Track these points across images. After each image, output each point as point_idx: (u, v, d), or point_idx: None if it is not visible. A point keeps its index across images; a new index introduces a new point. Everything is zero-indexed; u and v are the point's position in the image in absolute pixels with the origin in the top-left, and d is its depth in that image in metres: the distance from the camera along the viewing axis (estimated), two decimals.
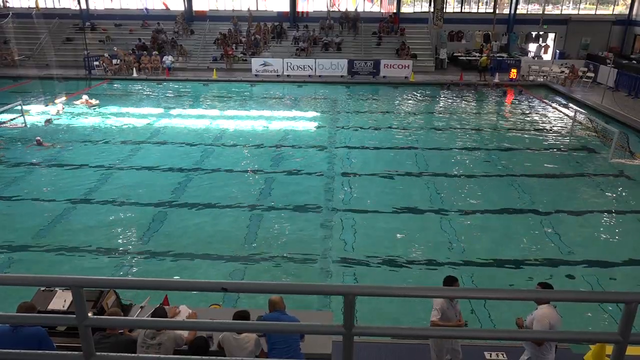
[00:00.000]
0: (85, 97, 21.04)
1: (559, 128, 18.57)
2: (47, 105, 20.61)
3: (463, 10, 32.90)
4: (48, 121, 17.72)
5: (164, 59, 27.42)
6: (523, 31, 31.51)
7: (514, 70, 26.36)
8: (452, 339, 5.92)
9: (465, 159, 15.00)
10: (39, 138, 15.37)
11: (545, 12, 30.58)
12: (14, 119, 17.78)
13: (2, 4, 30.88)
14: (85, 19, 31.27)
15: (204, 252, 9.51)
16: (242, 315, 5.11)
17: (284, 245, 9.80)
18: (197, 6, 32.56)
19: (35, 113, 19.28)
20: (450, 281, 5.69)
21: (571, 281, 8.69)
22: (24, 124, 17.42)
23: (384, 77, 26.57)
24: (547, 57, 30.80)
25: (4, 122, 17.64)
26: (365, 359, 6.37)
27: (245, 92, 24.50)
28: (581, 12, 32.54)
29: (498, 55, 29.29)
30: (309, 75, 26.72)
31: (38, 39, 30.00)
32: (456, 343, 6.06)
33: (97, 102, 21.15)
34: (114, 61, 27.09)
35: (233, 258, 9.35)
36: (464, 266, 9.00)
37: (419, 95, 24.09)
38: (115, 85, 25.71)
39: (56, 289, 5.93)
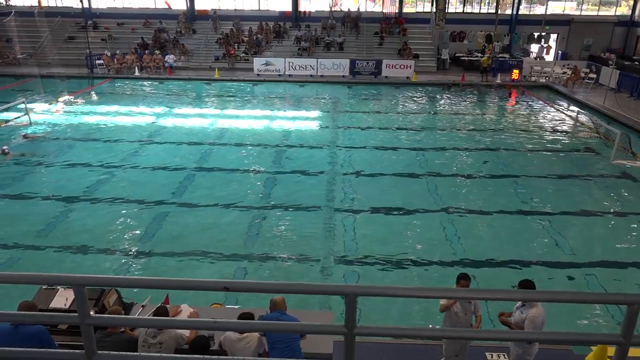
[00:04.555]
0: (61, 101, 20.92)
1: (561, 129, 18.54)
2: (50, 104, 20.66)
3: (465, 11, 32.90)
4: (25, 136, 15.98)
5: (166, 58, 27.45)
6: (525, 32, 31.45)
7: (516, 71, 26.33)
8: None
9: (467, 159, 14.99)
10: (5, 147, 14.34)
11: (548, 13, 30.55)
12: (19, 117, 17.82)
13: (4, 2, 30.90)
14: (88, 17, 31.32)
15: (205, 251, 9.51)
16: (247, 317, 5.11)
17: (285, 245, 9.80)
18: (199, 5, 32.58)
19: (41, 111, 19.35)
20: (458, 279, 5.68)
21: (573, 282, 8.68)
22: (29, 122, 17.46)
23: (385, 77, 26.56)
24: (549, 58, 30.79)
25: (9, 120, 17.68)
26: (366, 359, 6.37)
27: (247, 92, 24.51)
28: (583, 13, 32.51)
29: (500, 55, 29.26)
30: (311, 75, 26.71)
31: (40, 38, 30.05)
32: (467, 343, 6.03)
33: (77, 101, 21.14)
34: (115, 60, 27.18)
35: (234, 257, 9.35)
36: (466, 267, 8.98)
37: (420, 95, 24.08)
38: (117, 84, 25.74)
39: (58, 287, 5.93)
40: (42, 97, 21.83)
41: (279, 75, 26.77)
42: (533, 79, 26.76)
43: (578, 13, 32.47)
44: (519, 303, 5.66)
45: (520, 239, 10.16)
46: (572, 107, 21.53)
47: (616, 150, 14.66)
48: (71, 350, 2.90)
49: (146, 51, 28.50)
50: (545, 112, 21.14)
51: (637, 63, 27.38)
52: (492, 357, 6.37)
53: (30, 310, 4.51)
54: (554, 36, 31.76)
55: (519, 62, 28.10)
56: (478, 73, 26.85)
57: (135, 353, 4.38)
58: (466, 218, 11.04)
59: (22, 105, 17.77)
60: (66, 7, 32.32)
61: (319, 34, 30.40)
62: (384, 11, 32.40)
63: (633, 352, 2.56)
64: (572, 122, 18.93)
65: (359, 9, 32.24)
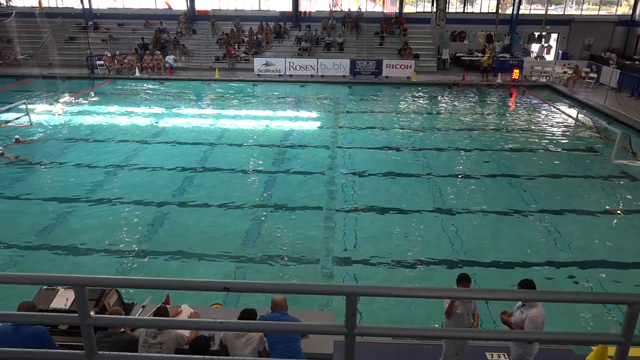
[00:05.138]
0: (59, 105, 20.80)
1: (562, 129, 18.53)
2: (50, 105, 20.68)
3: (465, 11, 32.90)
4: (17, 140, 15.48)
5: (166, 59, 27.47)
6: (526, 32, 31.47)
7: (516, 71, 26.32)
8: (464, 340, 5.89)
9: (468, 159, 14.99)
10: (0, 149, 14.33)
11: (548, 13, 30.54)
12: (19, 117, 17.82)
13: (5, 3, 30.94)
14: (88, 18, 31.36)
15: (205, 252, 9.51)
16: (249, 313, 5.12)
17: (285, 245, 9.80)
18: (199, 6, 32.59)
19: (41, 112, 19.38)
20: (459, 279, 5.69)
21: (574, 282, 8.67)
22: (29, 123, 17.46)
23: (386, 77, 26.56)
24: (549, 57, 30.78)
25: (10, 121, 17.69)
26: (366, 359, 6.37)
27: (248, 92, 24.51)
28: (584, 12, 32.50)
29: (501, 55, 29.25)
30: (311, 75, 26.71)
31: (41, 38, 30.10)
32: (467, 342, 6.04)
33: (77, 102, 21.15)
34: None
35: (235, 258, 9.35)
36: (466, 267, 8.98)
37: (421, 95, 24.07)
38: (118, 84, 25.76)
39: (58, 287, 5.94)
40: (43, 97, 21.85)
41: (280, 75, 26.78)
42: (534, 78, 26.74)
43: (578, 13, 32.46)
44: (519, 303, 5.67)
45: (520, 239, 10.15)
46: (573, 107, 21.52)
47: (617, 150, 14.65)
48: (71, 351, 2.90)
49: (147, 52, 28.52)
50: (545, 112, 21.13)
51: (637, 63, 27.37)
52: (492, 357, 6.37)
53: (31, 311, 4.51)
54: (554, 36, 31.76)
55: (519, 61, 28.09)
56: (478, 73, 26.84)
57: (135, 353, 4.39)
58: (467, 218, 11.03)
59: (23, 106, 17.78)
60: (67, 7, 32.37)
61: (320, 34, 30.40)
62: (385, 11, 32.40)
63: (633, 352, 2.56)
64: (572, 121, 18.91)
65: (359, 9, 32.24)
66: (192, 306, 5.99)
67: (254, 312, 5.16)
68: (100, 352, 2.62)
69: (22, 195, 12.00)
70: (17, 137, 15.71)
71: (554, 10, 33.02)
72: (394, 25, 30.92)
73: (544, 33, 30.86)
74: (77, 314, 2.56)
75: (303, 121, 19.26)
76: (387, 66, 26.60)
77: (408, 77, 26.34)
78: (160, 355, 4.39)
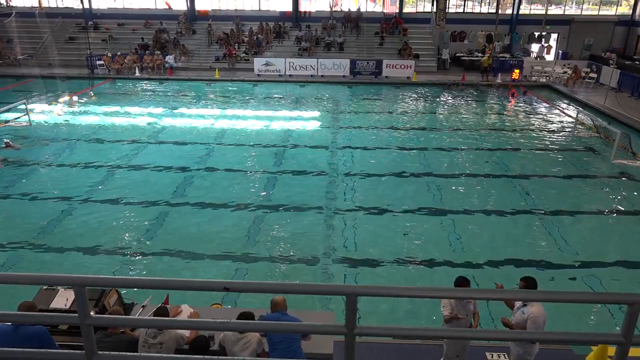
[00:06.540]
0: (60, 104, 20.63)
1: (561, 129, 18.53)
2: (50, 105, 20.68)
3: (465, 11, 32.90)
4: (7, 145, 14.94)
5: (166, 59, 27.47)
6: (526, 32, 31.48)
7: (516, 71, 26.32)
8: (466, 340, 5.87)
9: (467, 159, 14.98)
10: None
11: (548, 13, 30.55)
12: (19, 117, 17.81)
13: (5, 3, 30.94)
14: (88, 18, 31.37)
15: (205, 252, 9.51)
16: (247, 316, 5.11)
17: (286, 245, 9.79)
18: (199, 6, 32.60)
19: (41, 112, 19.38)
20: (459, 282, 5.69)
21: (573, 282, 8.67)
22: (29, 123, 17.44)
23: (386, 77, 26.56)
24: (549, 57, 30.78)
25: (9, 121, 17.67)
26: (366, 359, 6.37)
27: (248, 92, 24.51)
28: (584, 12, 32.50)
29: (501, 55, 29.25)
30: (311, 75, 26.71)
31: (41, 38, 30.11)
32: (468, 343, 6.03)
33: (77, 101, 21.13)
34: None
35: (235, 258, 9.35)
36: (466, 267, 8.98)
37: (421, 95, 24.07)
38: (118, 84, 25.76)
39: (58, 287, 5.94)
40: (43, 98, 21.84)
41: (280, 75, 26.77)
42: (534, 78, 26.74)
43: (578, 13, 32.47)
44: (520, 303, 5.66)
45: (520, 239, 10.16)
46: (573, 107, 21.52)
47: (616, 150, 14.66)
48: (71, 351, 2.90)
49: (146, 52, 28.53)
50: (545, 112, 21.13)
51: (637, 63, 27.38)
52: (492, 357, 6.37)
53: (31, 311, 4.51)
54: (554, 36, 31.77)
55: (519, 61, 28.09)
56: (478, 73, 26.83)
57: (135, 353, 4.39)
58: (467, 218, 11.02)
59: (23, 106, 17.76)
60: (67, 7, 32.38)
61: (320, 34, 30.41)
62: (385, 11, 32.40)
63: (633, 352, 2.56)
64: (572, 121, 18.92)
65: (359, 9, 32.23)
66: (192, 306, 5.98)
67: (251, 315, 5.15)
68: (100, 352, 2.62)
69: (22, 195, 11.99)
70: (6, 141, 15.25)
71: (554, 10, 33.04)
72: (394, 25, 30.93)
73: (544, 33, 30.86)
74: (77, 314, 2.56)
75: (303, 121, 19.25)
76: (387, 66, 26.60)
77: (408, 77, 26.33)
78: (160, 355, 4.39)
